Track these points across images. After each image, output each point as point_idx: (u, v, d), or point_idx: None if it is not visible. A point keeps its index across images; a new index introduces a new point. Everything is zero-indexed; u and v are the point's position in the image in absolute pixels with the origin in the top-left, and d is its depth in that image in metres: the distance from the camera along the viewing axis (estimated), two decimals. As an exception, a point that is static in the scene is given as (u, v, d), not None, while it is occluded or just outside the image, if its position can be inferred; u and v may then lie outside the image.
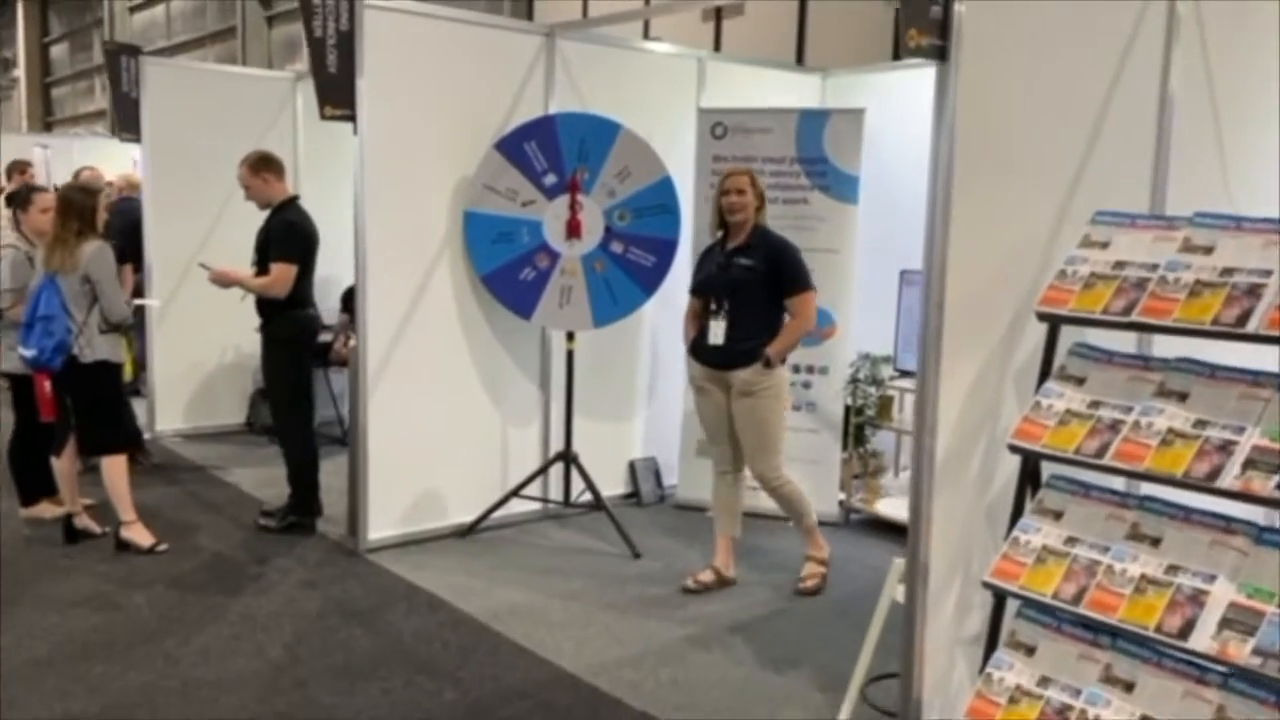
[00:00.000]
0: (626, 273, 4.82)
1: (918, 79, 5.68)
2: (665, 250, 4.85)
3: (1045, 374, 2.55)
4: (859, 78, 5.88)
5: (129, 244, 5.92)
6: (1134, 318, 2.38)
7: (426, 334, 4.68)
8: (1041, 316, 2.53)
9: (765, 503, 4.90)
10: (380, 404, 4.57)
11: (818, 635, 3.88)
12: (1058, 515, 2.47)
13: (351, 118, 4.43)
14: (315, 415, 4.96)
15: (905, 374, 5.06)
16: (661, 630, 3.87)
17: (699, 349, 4.28)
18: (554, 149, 4.70)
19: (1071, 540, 2.40)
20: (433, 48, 4.57)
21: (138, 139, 6.47)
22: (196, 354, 6.70)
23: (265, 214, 4.81)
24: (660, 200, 4.81)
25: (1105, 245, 2.52)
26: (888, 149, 5.25)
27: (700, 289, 4.31)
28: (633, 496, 5.49)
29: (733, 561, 4.38)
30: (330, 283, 6.00)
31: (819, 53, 8.71)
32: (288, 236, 4.68)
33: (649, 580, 4.37)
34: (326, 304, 6.24)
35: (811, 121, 5.13)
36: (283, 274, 4.62)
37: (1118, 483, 2.54)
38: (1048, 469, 2.54)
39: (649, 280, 4.85)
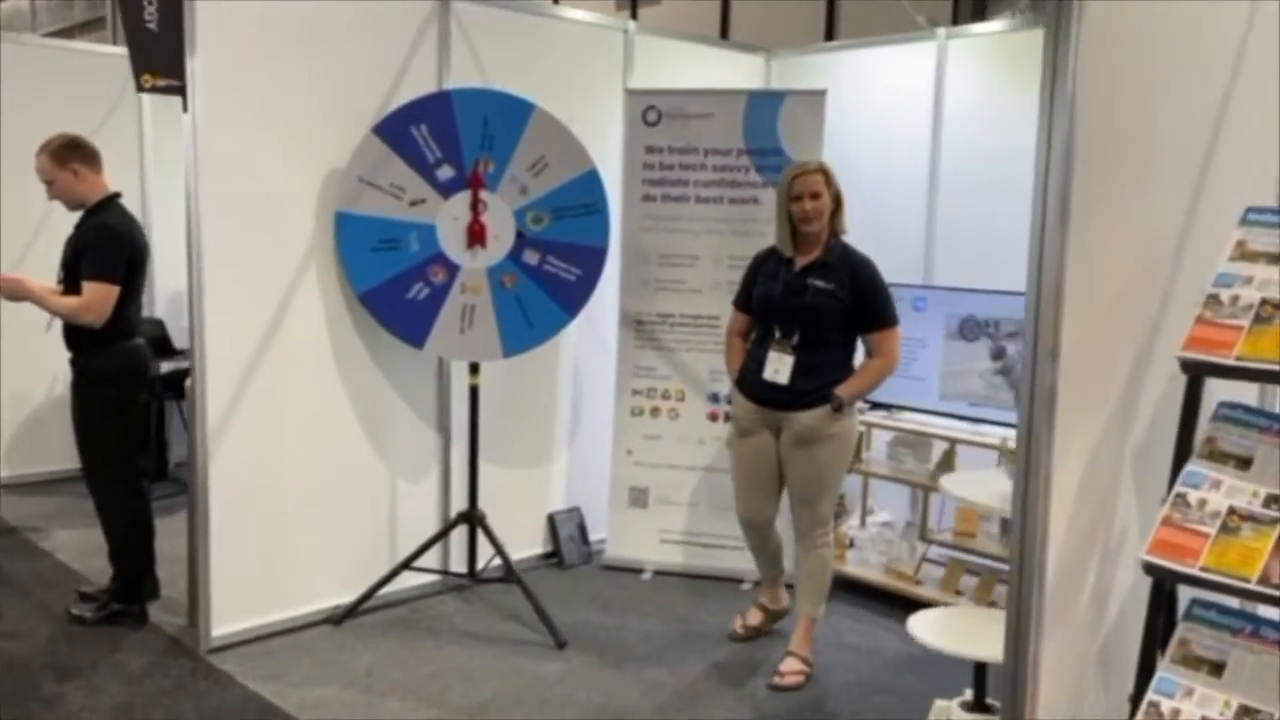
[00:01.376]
0: (544, 288, 3.87)
1: (878, 59, 4.85)
2: (592, 260, 3.92)
3: (1184, 451, 1.71)
4: (810, 59, 5.06)
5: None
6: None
7: (289, 368, 3.67)
8: (1188, 366, 1.69)
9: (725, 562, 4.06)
10: (227, 458, 3.54)
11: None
12: (1215, 668, 1.62)
13: (180, 90, 3.40)
14: (168, 458, 3.92)
15: (877, 407, 4.23)
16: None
17: (751, 383, 3.45)
18: (450, 134, 3.73)
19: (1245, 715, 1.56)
20: (293, 3, 3.56)
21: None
22: (18, 383, 5.51)
23: (78, 217, 3.74)
24: (585, 199, 3.88)
25: (1273, 258, 1.69)
26: (848, 141, 4.42)
27: (762, 313, 3.45)
28: (553, 556, 4.55)
29: (782, 592, 3.82)
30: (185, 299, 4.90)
31: (746, 34, 7.93)
32: (105, 246, 3.60)
33: (577, 680, 3.43)
34: (179, 323, 5.17)
35: (763, 105, 4.26)
36: (99, 296, 3.55)
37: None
38: (1186, 591, 1.70)
39: (572, 297, 3.91)
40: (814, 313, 3.34)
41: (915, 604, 4.00)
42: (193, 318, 3.45)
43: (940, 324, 4.02)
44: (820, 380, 3.34)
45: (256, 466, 3.61)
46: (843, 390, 3.32)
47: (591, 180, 3.88)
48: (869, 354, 3.39)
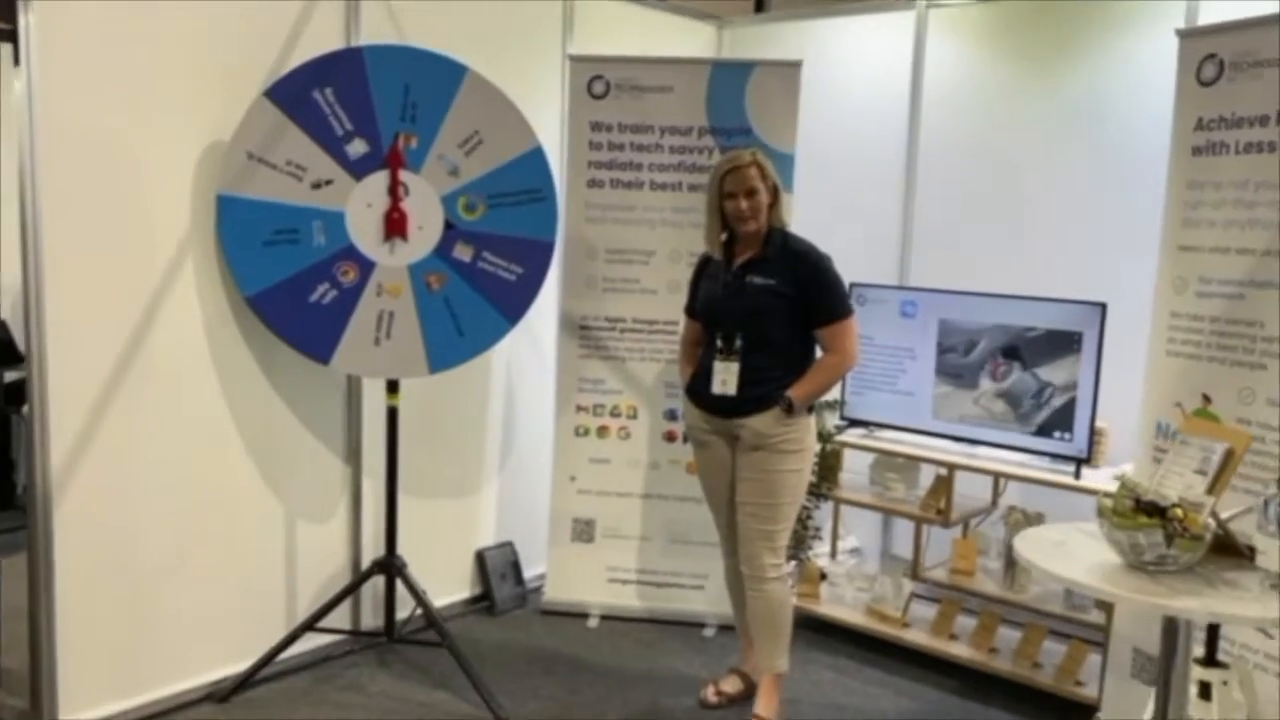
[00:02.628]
0: (478, 290, 3.22)
1: (847, 30, 4.16)
2: (536, 256, 3.28)
3: None
4: (768, 29, 4.52)
5: None
6: None
7: (158, 386, 2.94)
8: None
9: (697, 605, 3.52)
10: (80, 496, 2.81)
11: None
12: None
13: (11, 35, 2.64)
14: (15, 481, 3.12)
15: (857, 424, 3.73)
16: None
17: (699, 392, 3.07)
18: (363, 101, 3.05)
19: None
20: (159, -69, 2.83)
21: None
22: None
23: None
24: (528, 183, 3.24)
25: None
26: (813, 124, 3.89)
27: (705, 319, 3.11)
28: (483, 599, 3.91)
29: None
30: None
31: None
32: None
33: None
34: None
35: (729, 77, 3.69)
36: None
37: None
38: None
39: (512, 300, 3.27)
40: (756, 313, 2.96)
41: (903, 650, 3.53)
42: (29, 325, 2.71)
43: (932, 332, 3.52)
44: (773, 385, 2.94)
45: (117, 506, 2.89)
46: (794, 391, 2.92)
47: (536, 161, 3.24)
48: (823, 351, 2.99)
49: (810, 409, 2.99)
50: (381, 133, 3.08)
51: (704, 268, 3.16)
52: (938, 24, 4.00)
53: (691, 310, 3.20)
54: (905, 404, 3.59)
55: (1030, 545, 2.17)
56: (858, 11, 4.21)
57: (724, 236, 3.05)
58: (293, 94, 2.99)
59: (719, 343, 3.00)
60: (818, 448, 3.32)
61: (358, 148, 3.07)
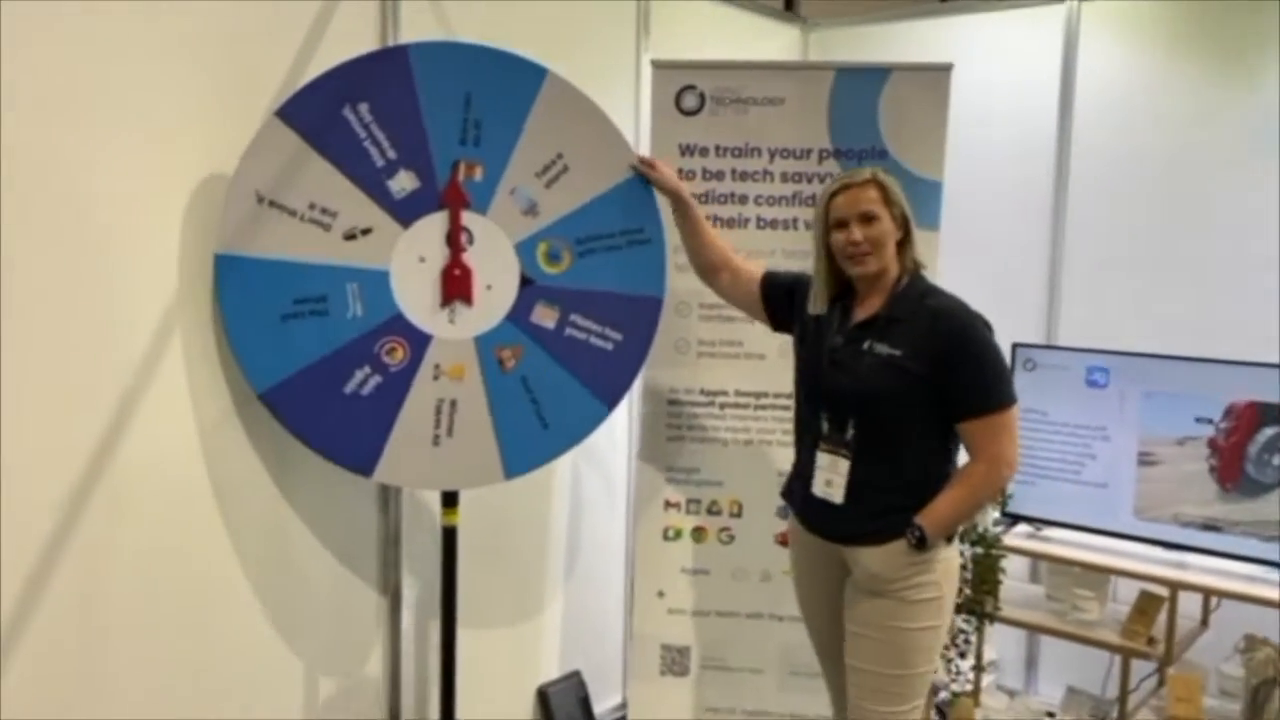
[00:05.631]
0: (565, 365, 2.42)
1: (966, 32, 3.45)
2: (640, 318, 2.47)
3: None
4: (867, 32, 3.78)
5: None
6: None
7: (135, 513, 2.11)
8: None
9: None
10: (32, 665, 1.97)
11: None
12: None
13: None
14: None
15: (1019, 520, 2.97)
16: None
17: (799, 499, 2.31)
18: (410, 118, 2.25)
19: None
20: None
21: None
22: None
23: None
24: (630, 222, 2.45)
25: None
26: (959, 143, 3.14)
27: (804, 390, 2.32)
28: (546, 748, 3.10)
29: None
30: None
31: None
32: None
33: None
34: None
35: (858, 85, 2.92)
36: None
37: None
38: None
39: (609, 377, 2.46)
40: (874, 396, 2.14)
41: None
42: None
43: (1134, 407, 2.77)
44: (896, 504, 2.13)
45: (84, 677, 2.05)
46: (927, 517, 2.09)
47: (637, 191, 2.45)
48: (969, 453, 2.14)
49: (949, 538, 2.16)
50: (435, 162, 2.28)
51: (800, 327, 2.35)
52: (1095, 20, 3.27)
53: (769, 278, 2.48)
54: (1094, 498, 2.83)
55: None
56: (986, 8, 3.48)
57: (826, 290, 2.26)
58: (314, 112, 2.18)
59: (825, 425, 2.21)
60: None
61: (404, 183, 2.26)
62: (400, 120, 2.23)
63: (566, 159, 2.37)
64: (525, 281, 2.37)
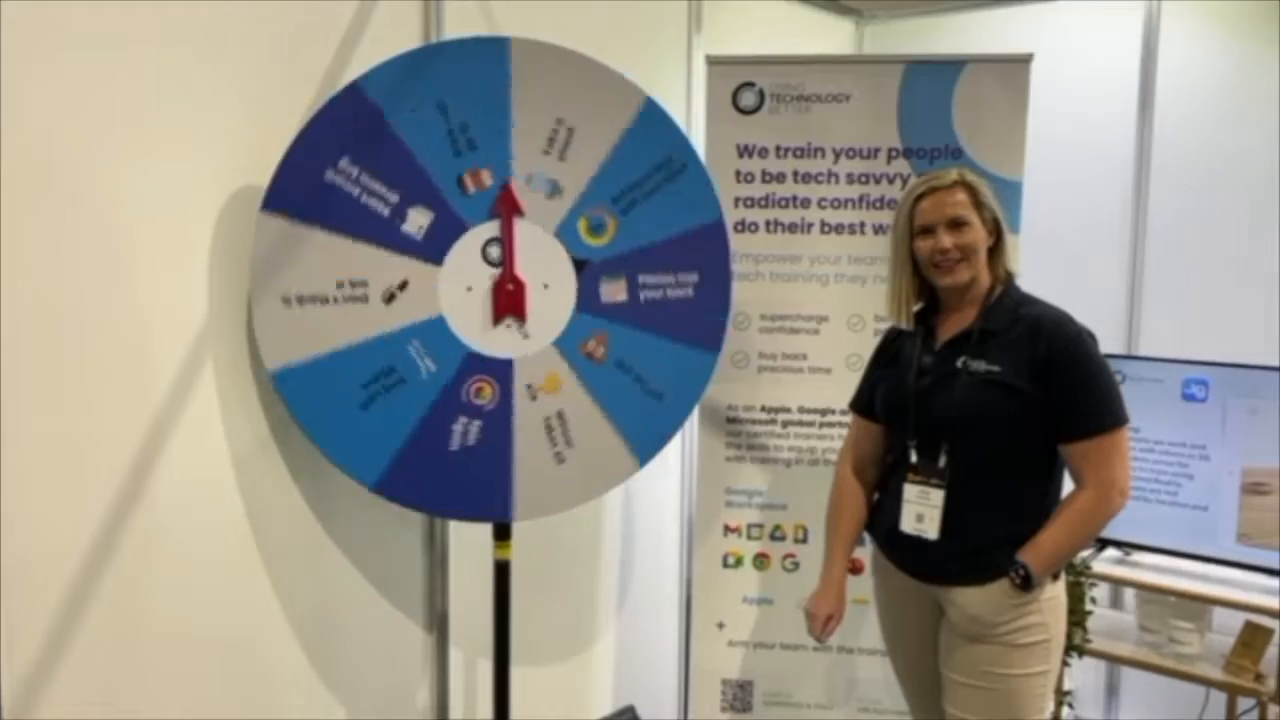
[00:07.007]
0: (654, 331, 2.24)
1: (1028, 23, 3.24)
2: (708, 249, 2.27)
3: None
4: (928, 24, 3.60)
5: None
6: None
7: (162, 555, 1.95)
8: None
9: None
10: (73, 685, 1.82)
11: None
12: None
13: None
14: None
15: (1107, 544, 2.77)
16: None
17: (886, 535, 2.12)
18: (394, 152, 2.04)
19: None
20: None
21: None
22: None
23: None
24: (656, 155, 2.23)
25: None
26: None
27: (890, 419, 2.12)
28: (601, 790, 2.92)
29: None
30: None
31: None
32: None
33: None
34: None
35: (930, 79, 2.73)
36: None
37: None
38: None
39: (702, 322, 2.28)
40: (971, 418, 1.94)
41: None
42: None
43: (1239, 424, 2.56)
44: (998, 537, 1.94)
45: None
46: (1031, 554, 1.90)
47: (653, 122, 2.22)
48: (1075, 480, 1.95)
49: (1055, 575, 1.96)
50: (439, 185, 2.09)
51: (886, 348, 2.19)
52: (1179, 10, 3.07)
53: (864, 405, 2.22)
54: (1193, 522, 2.62)
55: None
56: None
57: (918, 305, 2.09)
58: (298, 190, 1.98)
59: (914, 454, 2.02)
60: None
61: (418, 220, 2.08)
62: (386, 159, 2.03)
63: (568, 121, 2.16)
64: (580, 265, 2.19)
